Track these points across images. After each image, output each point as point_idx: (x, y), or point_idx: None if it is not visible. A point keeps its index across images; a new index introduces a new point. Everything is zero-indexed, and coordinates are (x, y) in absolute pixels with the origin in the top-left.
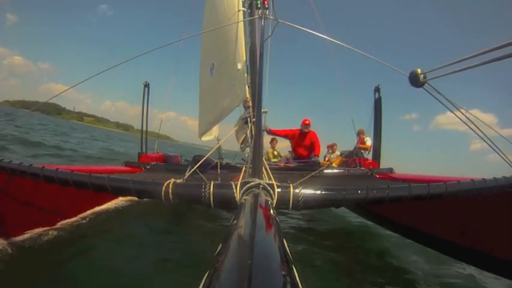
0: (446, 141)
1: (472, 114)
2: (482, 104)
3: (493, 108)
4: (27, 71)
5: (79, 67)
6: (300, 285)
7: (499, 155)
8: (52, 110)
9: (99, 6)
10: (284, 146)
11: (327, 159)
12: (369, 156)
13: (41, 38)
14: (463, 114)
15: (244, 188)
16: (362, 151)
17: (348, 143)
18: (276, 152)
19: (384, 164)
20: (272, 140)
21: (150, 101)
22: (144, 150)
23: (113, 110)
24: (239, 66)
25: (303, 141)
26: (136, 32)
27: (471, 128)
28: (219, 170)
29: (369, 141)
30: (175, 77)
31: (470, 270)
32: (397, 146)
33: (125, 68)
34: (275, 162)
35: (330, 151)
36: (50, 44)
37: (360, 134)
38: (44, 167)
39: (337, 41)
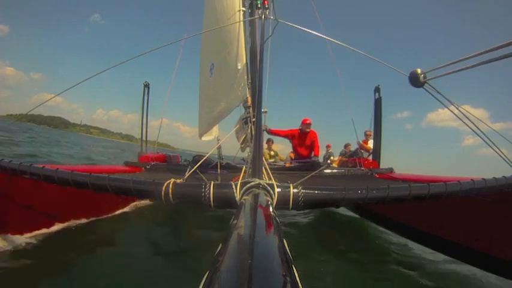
0: (440, 138)
1: (472, 115)
2: (473, 100)
3: (484, 103)
4: (19, 82)
5: (71, 76)
6: (300, 285)
7: (496, 151)
8: (59, 123)
9: (92, 16)
10: (281, 147)
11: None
12: (368, 157)
13: (33, 49)
14: (463, 114)
15: (244, 188)
16: (362, 151)
17: (343, 142)
18: (272, 152)
19: (384, 161)
20: (268, 141)
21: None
22: (144, 150)
23: (106, 119)
24: (239, 66)
25: (303, 141)
26: (129, 40)
27: (472, 129)
28: (219, 170)
29: (371, 144)
30: (168, 83)
31: (470, 270)
32: (392, 144)
33: (117, 74)
34: (273, 161)
35: (330, 150)
36: (42, 54)
37: (367, 135)
38: (44, 167)
39: (337, 41)
